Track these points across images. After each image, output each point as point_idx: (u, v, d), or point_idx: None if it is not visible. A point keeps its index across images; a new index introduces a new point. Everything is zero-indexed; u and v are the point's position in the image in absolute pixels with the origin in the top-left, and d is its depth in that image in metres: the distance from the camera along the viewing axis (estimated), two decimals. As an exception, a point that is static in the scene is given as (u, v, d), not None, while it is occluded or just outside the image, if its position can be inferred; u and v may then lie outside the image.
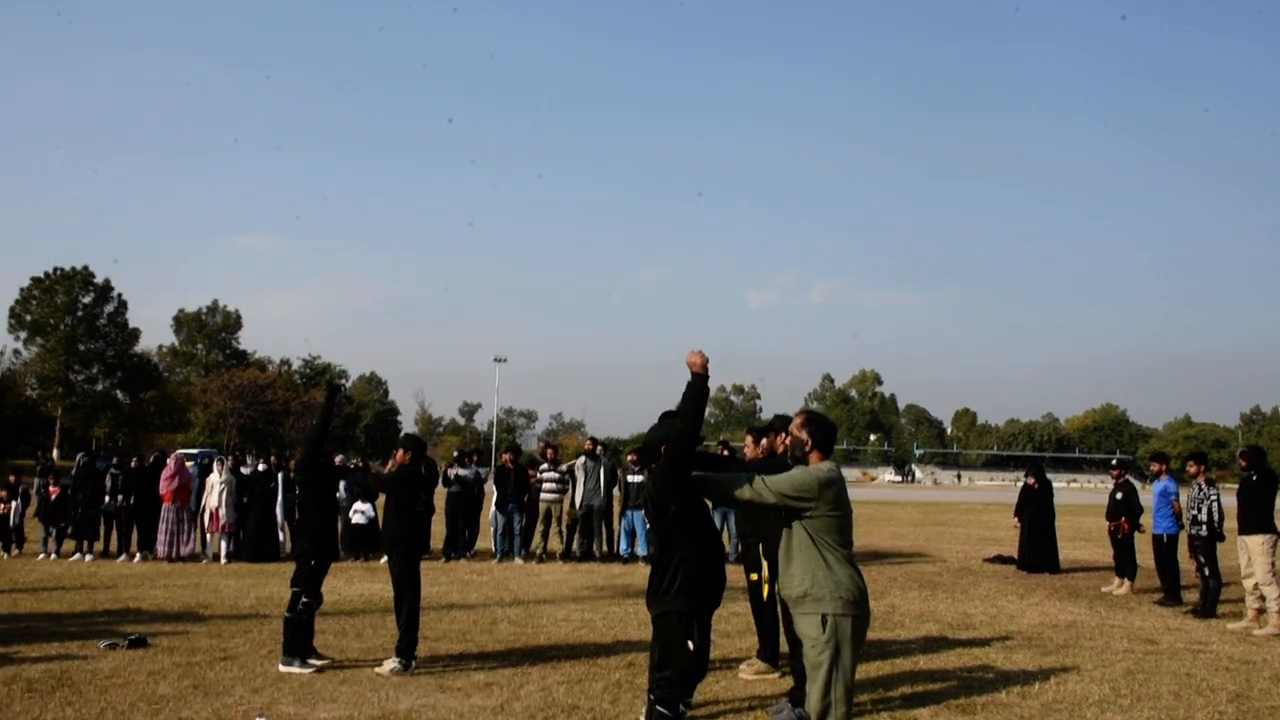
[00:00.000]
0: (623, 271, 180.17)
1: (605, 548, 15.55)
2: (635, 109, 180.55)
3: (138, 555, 14.99)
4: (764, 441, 7.26)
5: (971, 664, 7.94)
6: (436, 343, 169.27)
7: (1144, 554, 12.79)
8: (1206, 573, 10.78)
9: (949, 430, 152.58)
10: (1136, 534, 13.03)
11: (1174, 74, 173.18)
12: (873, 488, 79.13)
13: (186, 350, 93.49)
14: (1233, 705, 6.74)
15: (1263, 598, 9.83)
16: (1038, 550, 14.80)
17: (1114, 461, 15.07)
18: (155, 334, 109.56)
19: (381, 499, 9.35)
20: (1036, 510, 15.04)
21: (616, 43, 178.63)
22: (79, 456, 16.39)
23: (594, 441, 16.35)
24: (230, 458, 16.01)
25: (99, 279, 76.58)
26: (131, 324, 78.74)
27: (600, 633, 9.15)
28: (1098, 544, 18.07)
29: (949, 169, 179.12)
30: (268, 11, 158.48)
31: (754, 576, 7.45)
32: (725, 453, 13.47)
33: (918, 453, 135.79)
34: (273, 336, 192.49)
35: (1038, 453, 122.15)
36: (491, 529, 15.44)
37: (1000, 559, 16.08)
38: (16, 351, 75.90)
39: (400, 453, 7.97)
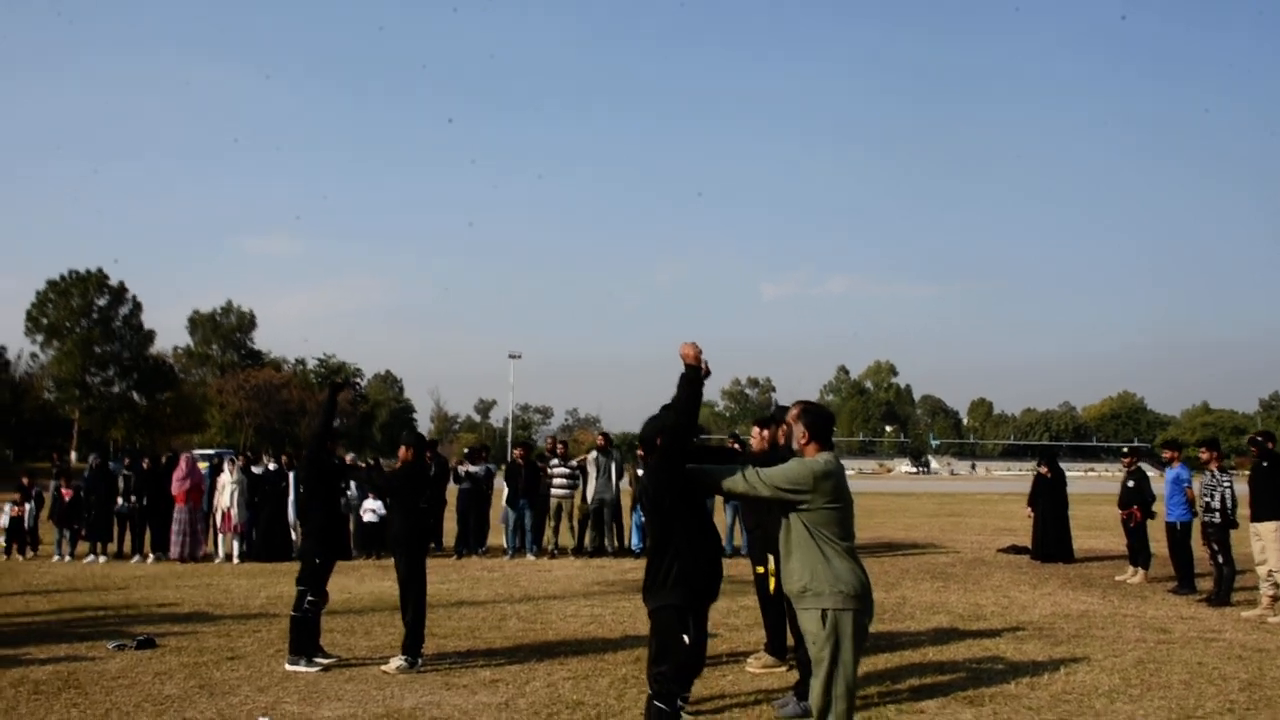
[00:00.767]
0: (635, 269, 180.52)
1: (616, 543, 15.54)
2: (636, 108, 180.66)
3: (150, 556, 15.07)
4: (765, 433, 7.22)
5: (981, 655, 7.89)
6: (451, 341, 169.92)
7: (1158, 542, 12.68)
8: (1220, 560, 10.67)
9: (965, 420, 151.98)
10: (1149, 522, 12.91)
11: (1173, 72, 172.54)
12: (889, 479, 78.93)
13: (201, 351, 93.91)
14: (1244, 694, 6.65)
15: (1276, 584, 9.73)
16: (1051, 540, 14.70)
17: (1125, 449, 14.93)
18: (169, 336, 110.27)
19: (390, 496, 9.35)
20: (1050, 500, 14.94)
21: (616, 42, 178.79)
22: (91, 458, 16.46)
23: (605, 436, 16.35)
24: (242, 457, 16.05)
25: (113, 281, 76.95)
26: (146, 326, 79.26)
27: (609, 628, 9.12)
28: (1113, 533, 17.89)
29: (957, 167, 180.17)
30: (268, 11, 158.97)
31: (760, 570, 7.40)
32: (735, 445, 13.41)
33: (934, 443, 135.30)
34: (286, 337, 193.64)
35: (1055, 442, 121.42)
36: (503, 525, 15.46)
37: (1014, 549, 16.00)
38: (34, 355, 76.35)
39: (402, 450, 7.95)
